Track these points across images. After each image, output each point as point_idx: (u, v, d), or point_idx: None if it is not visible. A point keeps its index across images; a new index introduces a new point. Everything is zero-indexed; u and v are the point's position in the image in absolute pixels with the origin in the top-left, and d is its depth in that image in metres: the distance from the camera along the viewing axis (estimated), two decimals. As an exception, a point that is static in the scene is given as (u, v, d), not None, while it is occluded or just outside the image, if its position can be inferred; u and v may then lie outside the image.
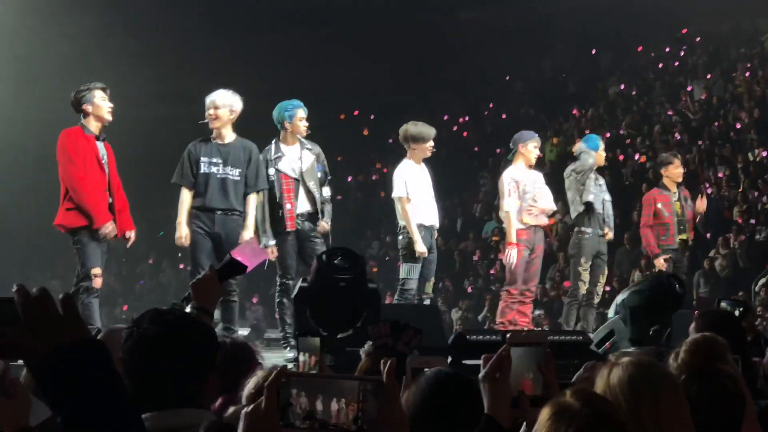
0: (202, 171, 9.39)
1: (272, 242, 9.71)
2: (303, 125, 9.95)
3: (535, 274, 11.13)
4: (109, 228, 8.91)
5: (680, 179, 12.36)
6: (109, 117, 9.13)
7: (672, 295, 9.09)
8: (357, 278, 8.18)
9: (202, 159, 9.42)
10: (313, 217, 9.93)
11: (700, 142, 21.71)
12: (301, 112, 9.95)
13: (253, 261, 5.07)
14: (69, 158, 8.98)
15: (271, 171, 9.80)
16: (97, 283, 8.90)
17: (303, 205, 9.90)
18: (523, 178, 11.00)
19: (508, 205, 10.90)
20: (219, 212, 9.41)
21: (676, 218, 12.03)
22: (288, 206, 9.80)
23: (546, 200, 11.12)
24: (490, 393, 2.87)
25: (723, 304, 7.13)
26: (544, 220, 11.18)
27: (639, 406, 3.01)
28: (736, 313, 6.91)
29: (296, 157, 9.94)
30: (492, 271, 20.21)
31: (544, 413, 2.61)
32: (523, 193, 10.92)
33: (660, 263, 11.81)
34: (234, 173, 9.47)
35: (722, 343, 4.17)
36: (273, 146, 9.92)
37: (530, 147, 11.09)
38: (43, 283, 22.29)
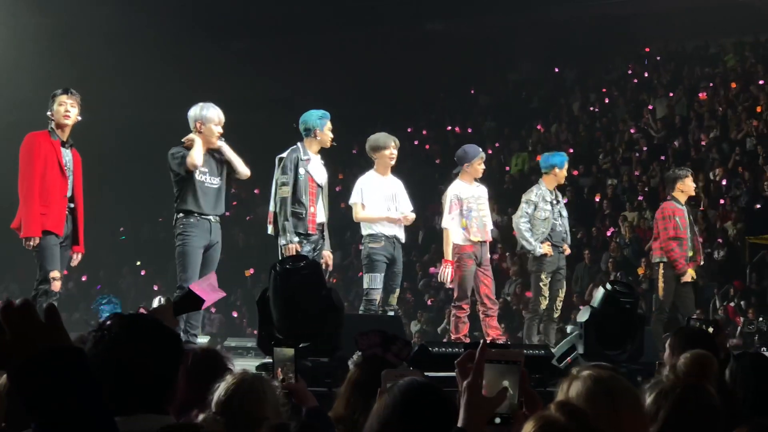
0: (197, 179, 9.40)
1: (296, 239, 9.77)
2: (330, 136, 10.06)
3: (492, 286, 11.19)
4: (33, 241, 8.86)
5: (693, 193, 12.66)
6: (64, 120, 9.07)
7: (617, 306, 9.04)
8: (311, 279, 8.10)
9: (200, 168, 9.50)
10: (322, 230, 10.12)
11: (663, 158, 21.83)
12: (330, 123, 10.04)
13: (212, 297, 5.04)
14: (28, 162, 8.97)
15: (301, 171, 9.88)
16: (56, 286, 8.88)
17: (319, 215, 9.98)
18: (467, 194, 11.08)
19: (446, 222, 11.01)
20: (213, 218, 9.51)
21: (689, 233, 12.10)
22: (312, 209, 9.92)
23: (487, 218, 11.24)
24: (469, 405, 2.79)
25: (692, 323, 7.10)
26: (489, 236, 11.25)
27: (598, 418, 2.98)
28: (708, 330, 6.91)
29: (319, 166, 10.03)
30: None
31: (528, 427, 2.57)
32: (468, 211, 11.01)
33: (689, 277, 11.96)
34: (215, 182, 9.59)
35: (715, 363, 4.17)
36: (301, 148, 9.98)
37: (476, 165, 11.17)
38: (2, 286, 22.08)
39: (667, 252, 11.96)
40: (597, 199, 21.77)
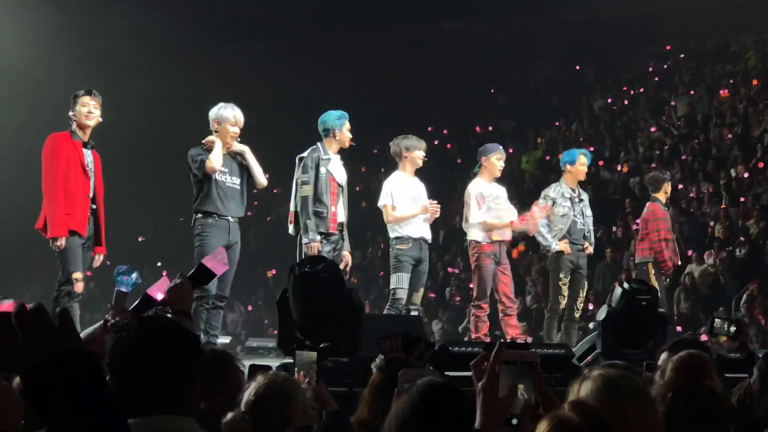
0: (217, 179, 9.45)
1: (318, 237, 9.81)
2: (349, 136, 10.09)
3: (511, 285, 11.15)
4: (60, 242, 8.87)
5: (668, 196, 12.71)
6: (85, 121, 9.09)
7: (635, 305, 9.00)
8: (330, 281, 8.08)
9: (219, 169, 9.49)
10: (341, 229, 10.13)
11: (684, 158, 21.76)
12: (348, 124, 10.06)
13: (220, 269, 5.12)
14: (51, 163, 8.98)
15: (322, 170, 9.90)
16: (79, 287, 8.88)
17: (340, 215, 9.99)
18: (488, 192, 11.05)
19: (480, 216, 10.97)
20: (231, 219, 9.50)
21: (673, 235, 12.14)
22: (333, 208, 9.95)
23: (510, 216, 11.17)
24: (485, 406, 2.81)
25: (717, 321, 7.04)
26: (508, 235, 11.20)
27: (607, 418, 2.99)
28: (732, 329, 6.85)
29: (339, 166, 10.04)
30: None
31: (542, 427, 2.58)
32: (488, 210, 10.97)
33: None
34: (236, 183, 9.58)
35: (707, 359, 4.16)
36: (321, 148, 10.01)
37: (493, 160, 11.14)
38: (25, 286, 22.14)
39: (657, 253, 12.00)
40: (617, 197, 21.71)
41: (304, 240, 9.80)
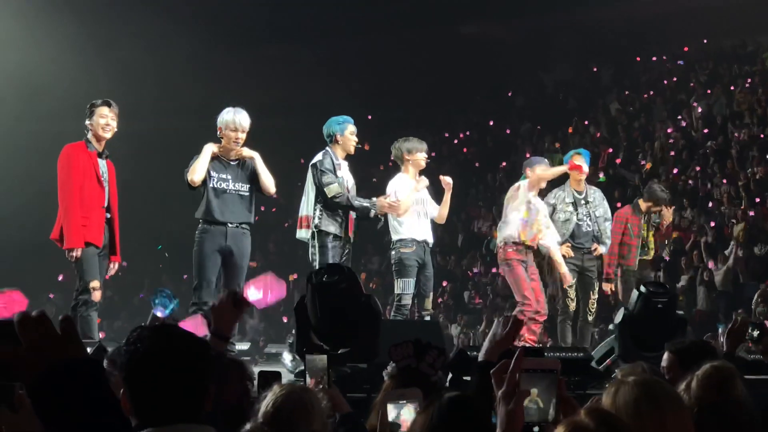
0: (214, 186, 9.39)
1: (374, 199, 10.06)
2: (353, 140, 10.02)
3: (540, 290, 11.07)
4: (76, 253, 8.88)
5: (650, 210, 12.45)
6: (102, 132, 9.09)
7: (651, 307, 8.94)
8: (348, 291, 8.06)
9: (212, 174, 9.41)
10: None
11: (702, 157, 21.71)
12: (352, 128, 10.03)
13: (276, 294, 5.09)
14: (67, 174, 9.00)
15: (339, 174, 9.88)
16: (96, 296, 8.91)
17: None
18: (532, 201, 10.97)
19: (515, 218, 10.93)
20: (231, 225, 9.42)
21: (639, 241, 12.04)
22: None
23: (542, 231, 11.07)
24: (503, 414, 2.79)
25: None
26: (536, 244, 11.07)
27: (645, 426, 2.98)
28: (756, 332, 6.77)
29: (347, 172, 10.02)
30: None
31: None
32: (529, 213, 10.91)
33: (606, 288, 11.92)
34: (240, 188, 9.49)
35: (732, 371, 4.15)
36: (331, 153, 9.97)
37: (538, 171, 11.03)
38: (44, 295, 22.20)
39: (610, 255, 11.87)
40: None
41: (373, 211, 10.03)
